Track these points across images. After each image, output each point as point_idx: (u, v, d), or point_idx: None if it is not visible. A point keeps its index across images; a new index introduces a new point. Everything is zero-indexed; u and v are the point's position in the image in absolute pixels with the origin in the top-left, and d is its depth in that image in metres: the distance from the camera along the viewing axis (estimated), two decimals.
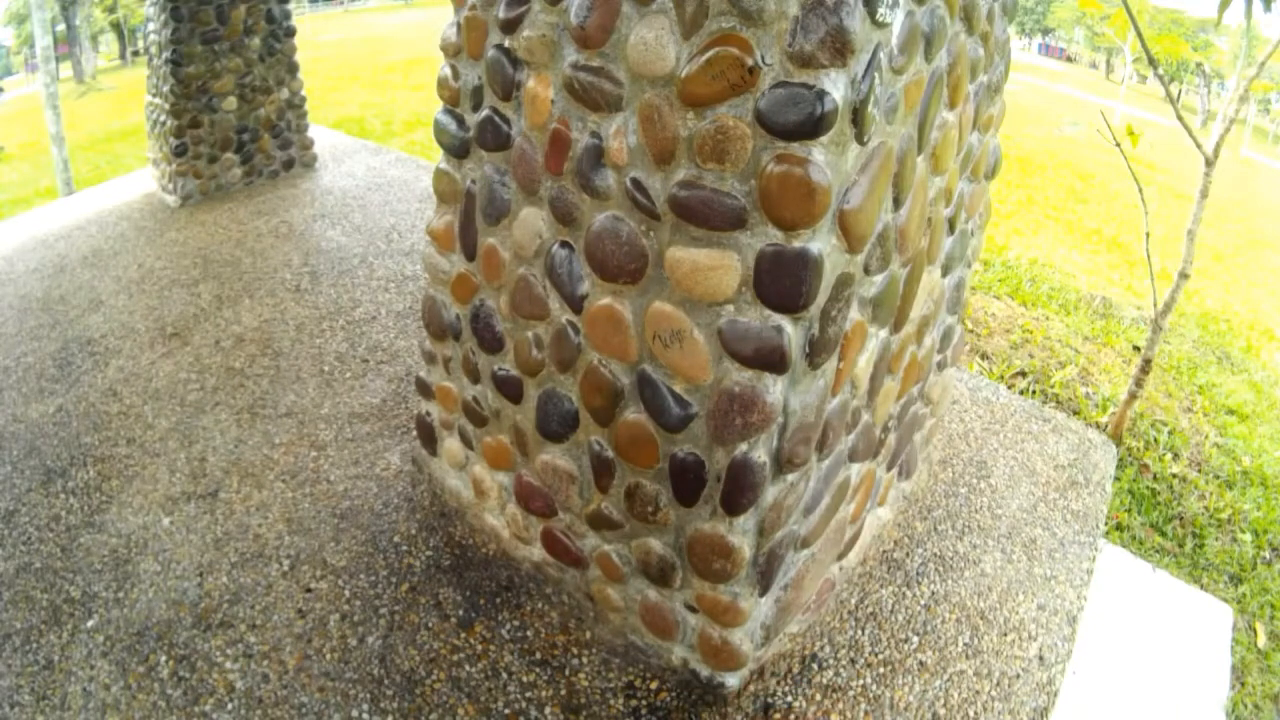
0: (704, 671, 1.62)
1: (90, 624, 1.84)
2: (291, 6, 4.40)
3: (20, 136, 12.18)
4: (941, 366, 2.12)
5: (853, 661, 1.76)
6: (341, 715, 1.60)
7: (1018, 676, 1.79)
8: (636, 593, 1.66)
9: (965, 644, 1.84)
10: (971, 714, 1.68)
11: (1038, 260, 5.07)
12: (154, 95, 4.09)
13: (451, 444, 2.06)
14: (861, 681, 1.72)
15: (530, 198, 1.50)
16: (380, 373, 2.74)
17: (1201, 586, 2.33)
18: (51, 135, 7.51)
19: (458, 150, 1.67)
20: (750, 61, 1.09)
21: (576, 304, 1.46)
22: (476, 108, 1.59)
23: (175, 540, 2.06)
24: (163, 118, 4.04)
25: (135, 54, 21.30)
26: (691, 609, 1.56)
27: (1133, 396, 2.85)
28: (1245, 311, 5.50)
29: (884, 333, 1.53)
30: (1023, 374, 3.30)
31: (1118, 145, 2.81)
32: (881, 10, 1.08)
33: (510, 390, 1.73)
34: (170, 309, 3.20)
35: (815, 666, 1.74)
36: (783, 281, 1.17)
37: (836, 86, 1.07)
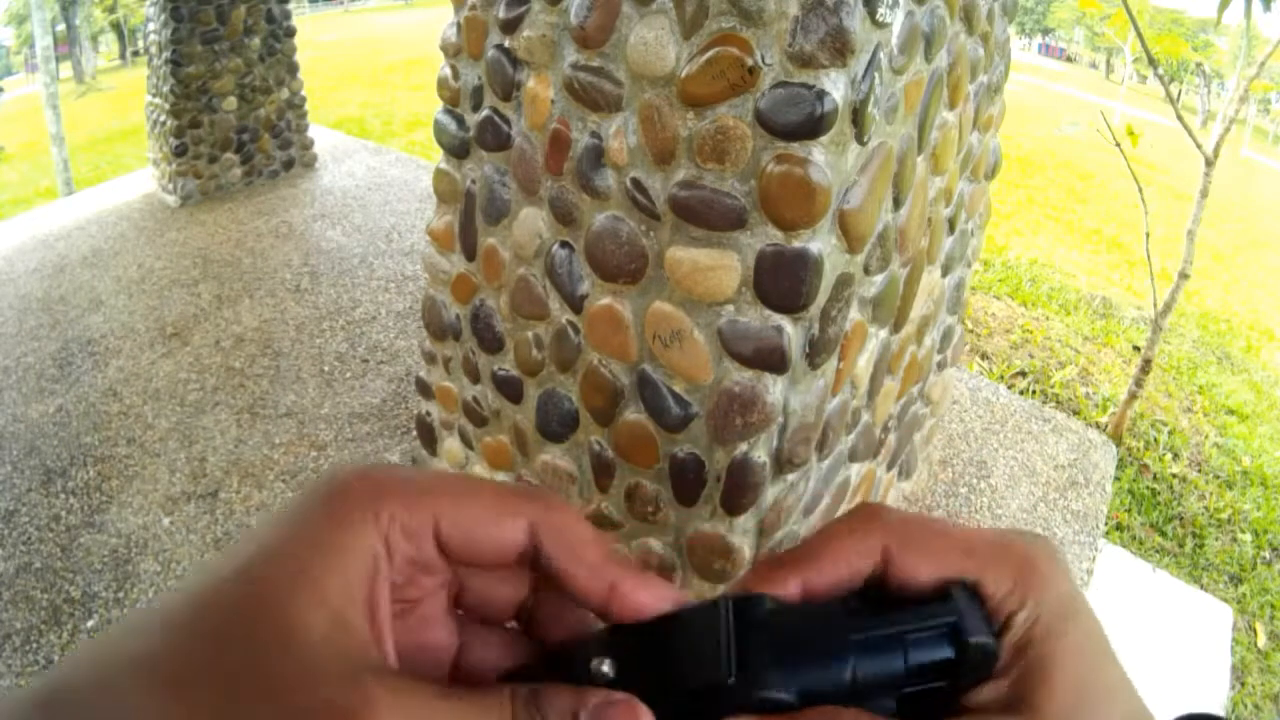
0: None
1: (90, 624, 1.84)
2: (291, 6, 4.40)
3: (20, 136, 12.18)
4: (941, 366, 2.12)
5: None
6: None
7: None
8: None
9: None
10: None
11: (1038, 260, 5.08)
12: (154, 95, 4.09)
13: (451, 444, 2.06)
14: None
15: (530, 198, 1.50)
16: (380, 373, 2.74)
17: (1201, 586, 2.33)
18: (51, 135, 7.51)
19: (458, 150, 1.67)
20: (750, 61, 1.09)
21: (576, 304, 1.46)
22: (476, 108, 1.59)
23: (175, 540, 2.06)
24: (163, 118, 4.04)
25: (135, 54, 21.29)
26: None
27: (1133, 396, 2.85)
28: (1245, 311, 5.51)
29: (884, 333, 1.53)
30: (1023, 374, 3.30)
31: (1118, 145, 2.81)
32: (881, 10, 1.08)
33: (510, 390, 1.73)
34: (170, 309, 3.21)
35: None
36: (783, 281, 1.17)
37: (836, 86, 1.07)
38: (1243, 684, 2.02)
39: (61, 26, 18.22)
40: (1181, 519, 2.65)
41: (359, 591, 0.23)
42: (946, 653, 0.24)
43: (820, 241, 1.16)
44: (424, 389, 2.10)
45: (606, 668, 0.24)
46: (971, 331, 3.61)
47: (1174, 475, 2.84)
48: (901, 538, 0.26)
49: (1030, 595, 0.24)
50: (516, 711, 0.22)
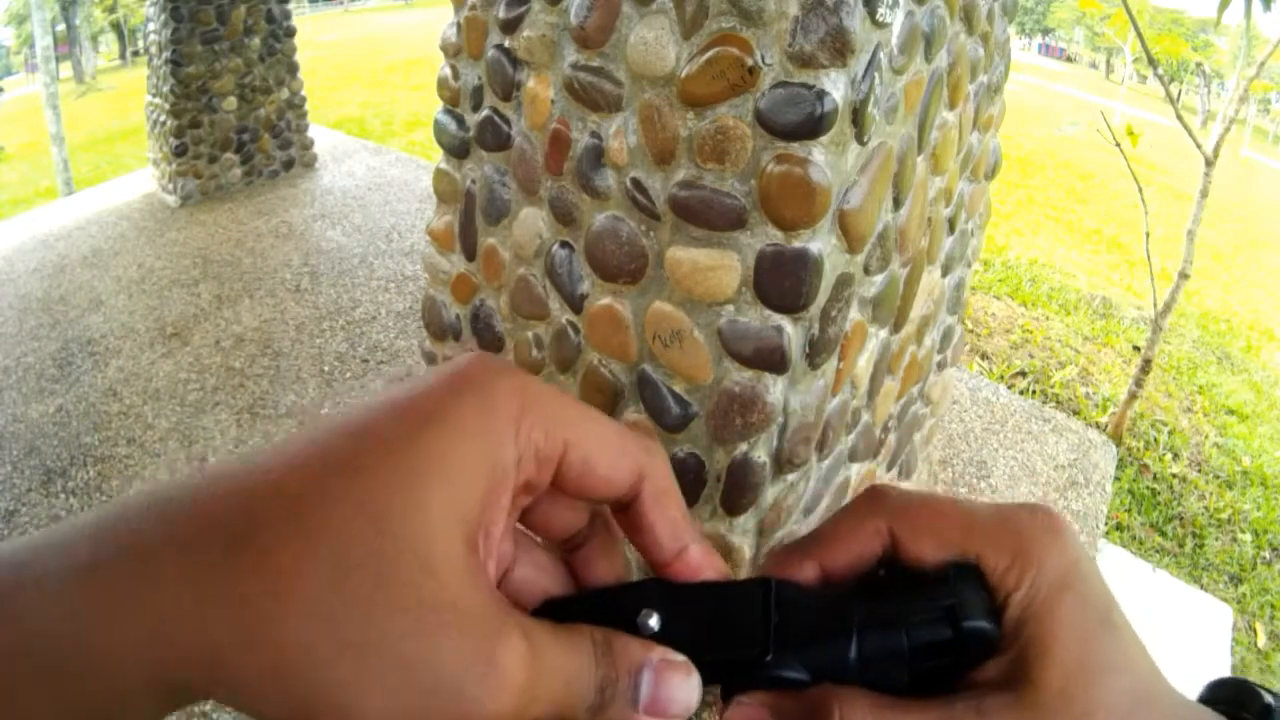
0: None
1: None
2: (291, 6, 4.40)
3: (20, 136, 12.18)
4: (941, 366, 2.12)
5: None
6: None
7: None
8: None
9: None
10: None
11: (1038, 260, 5.08)
12: (154, 95, 4.09)
13: None
14: None
15: (530, 198, 1.50)
16: (380, 373, 2.74)
17: (1201, 586, 2.33)
18: (51, 135, 7.52)
19: (458, 150, 1.67)
20: (750, 61, 1.09)
21: (576, 304, 1.46)
22: (476, 108, 1.59)
23: None
24: (163, 118, 4.04)
25: (135, 54, 21.28)
26: None
27: (1133, 396, 2.85)
28: (1245, 311, 5.51)
29: (884, 333, 1.53)
30: (1023, 374, 3.30)
31: (1118, 145, 2.81)
32: (881, 10, 1.08)
33: None
34: (170, 309, 3.21)
35: None
36: (783, 281, 1.17)
37: (836, 86, 1.07)
38: None
39: (61, 26, 18.22)
40: (1181, 519, 2.65)
41: (487, 510, 0.21)
42: (946, 633, 0.25)
43: (820, 241, 1.16)
44: None
45: (654, 621, 0.24)
46: (971, 331, 3.61)
47: (1174, 475, 2.84)
48: (904, 520, 0.27)
49: (1026, 572, 0.25)
50: (596, 656, 0.22)
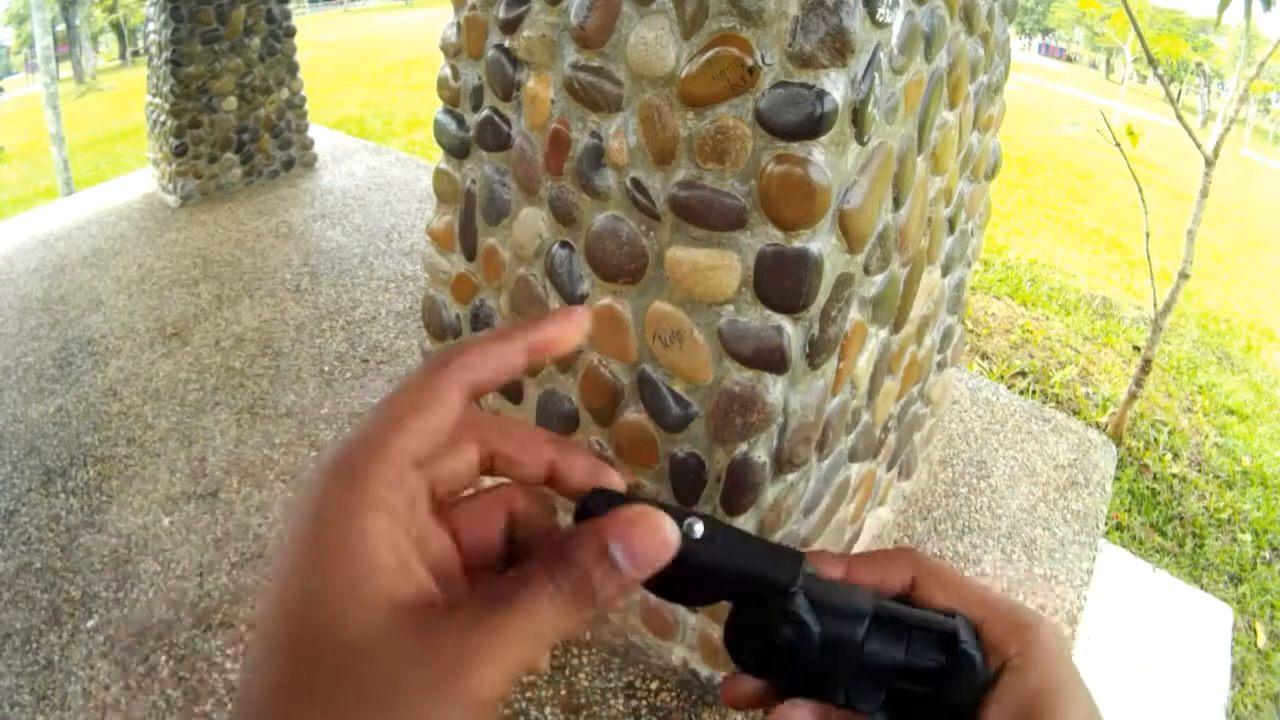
0: (704, 671, 1.62)
1: (90, 624, 1.84)
2: (291, 6, 4.40)
3: (20, 136, 12.17)
4: (941, 366, 2.12)
5: None
6: None
7: None
8: (636, 593, 1.65)
9: None
10: None
11: (1038, 260, 5.08)
12: (154, 95, 4.09)
13: None
14: None
15: (530, 198, 1.50)
16: (380, 373, 2.74)
17: (1201, 586, 2.33)
18: (51, 135, 7.52)
19: (458, 150, 1.67)
20: (750, 61, 1.09)
21: (576, 304, 1.46)
22: (476, 108, 1.59)
23: (175, 540, 2.06)
24: (163, 118, 4.04)
25: (135, 54, 21.27)
26: (692, 609, 1.56)
27: (1133, 396, 2.85)
28: (1245, 311, 5.51)
29: (884, 333, 1.53)
30: (1023, 374, 3.30)
31: (1118, 145, 2.81)
32: (881, 10, 1.08)
33: (510, 390, 1.73)
34: (170, 309, 3.21)
35: None
36: (783, 281, 1.17)
37: (836, 86, 1.07)
38: (1243, 684, 2.02)
39: (61, 26, 18.21)
40: (1181, 519, 2.65)
41: (404, 565, 0.24)
42: (939, 657, 0.28)
43: (820, 241, 1.16)
44: None
45: (700, 528, 0.28)
46: (971, 331, 3.60)
47: (1174, 475, 2.84)
48: (928, 573, 0.31)
49: (1026, 651, 0.28)
50: (566, 595, 0.23)
